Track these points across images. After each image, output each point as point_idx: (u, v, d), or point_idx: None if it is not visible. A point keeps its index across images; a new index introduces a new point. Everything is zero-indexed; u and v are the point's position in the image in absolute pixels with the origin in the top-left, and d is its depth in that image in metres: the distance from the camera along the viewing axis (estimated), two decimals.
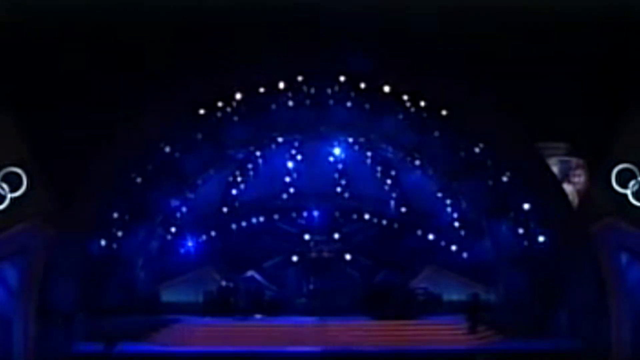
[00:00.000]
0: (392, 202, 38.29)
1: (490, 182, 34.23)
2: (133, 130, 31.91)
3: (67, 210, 29.39)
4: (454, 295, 34.99)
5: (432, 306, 34.35)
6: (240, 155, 37.59)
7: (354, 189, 38.29)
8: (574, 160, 34.24)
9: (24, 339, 27.20)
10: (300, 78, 33.94)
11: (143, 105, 31.53)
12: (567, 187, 33.53)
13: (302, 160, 38.05)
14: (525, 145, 32.16)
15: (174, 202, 36.51)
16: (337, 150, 37.99)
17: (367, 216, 37.82)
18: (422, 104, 33.45)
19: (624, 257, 27.72)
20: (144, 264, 35.84)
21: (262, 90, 33.76)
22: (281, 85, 33.72)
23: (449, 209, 37.03)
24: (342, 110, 35.06)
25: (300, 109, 34.89)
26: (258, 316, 34.25)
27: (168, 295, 35.87)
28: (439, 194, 37.04)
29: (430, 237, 37.20)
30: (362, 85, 33.75)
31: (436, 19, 29.42)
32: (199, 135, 34.67)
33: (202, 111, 33.54)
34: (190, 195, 37.06)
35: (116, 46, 30.39)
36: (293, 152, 37.95)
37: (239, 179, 38.27)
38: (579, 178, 34.11)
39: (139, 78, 30.65)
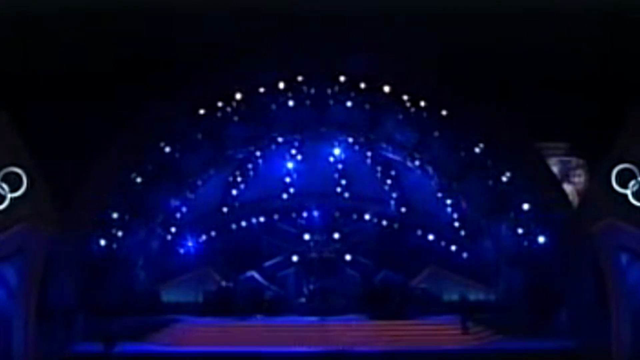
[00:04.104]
0: (392, 202, 38.29)
1: (490, 182, 34.22)
2: (133, 130, 31.92)
3: (67, 210, 29.39)
4: (453, 295, 35.00)
5: (432, 306, 34.33)
6: (240, 155, 37.57)
7: (354, 189, 38.26)
8: (574, 160, 34.25)
9: (24, 339, 27.16)
10: (300, 78, 33.95)
11: (143, 105, 31.54)
12: (567, 187, 33.53)
13: (302, 160, 38.03)
14: (525, 145, 32.17)
15: (174, 202, 36.51)
16: (337, 150, 37.97)
17: (367, 216, 37.82)
18: (422, 104, 33.46)
19: (624, 257, 27.67)
20: (144, 264, 35.83)
21: (262, 90, 33.77)
22: (281, 85, 33.72)
23: (449, 209, 37.03)
24: (342, 110, 35.05)
25: (300, 109, 34.88)
26: (258, 316, 34.23)
27: (168, 295, 35.87)
28: (439, 194, 37.03)
29: (430, 237, 37.21)
30: (362, 85, 33.75)
31: (436, 19, 29.43)
32: (199, 135, 34.67)
33: (202, 111, 33.55)
34: (190, 195, 37.06)
35: (116, 46, 30.40)
36: (293, 152, 37.93)
37: (239, 179, 38.26)
38: (579, 178, 34.12)
39: (139, 78, 30.66)
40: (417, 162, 36.72)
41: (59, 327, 28.97)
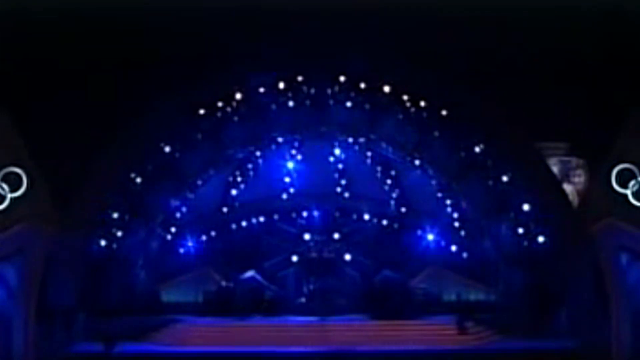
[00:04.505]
0: (392, 202, 38.29)
1: (490, 182, 34.22)
2: (133, 130, 31.92)
3: (67, 210, 29.39)
4: (453, 295, 35.00)
5: (432, 306, 34.33)
6: (240, 155, 37.59)
7: (354, 189, 38.27)
8: (574, 160, 34.25)
9: (24, 339, 27.16)
10: (300, 78, 33.96)
11: (143, 105, 31.54)
12: (567, 187, 33.52)
13: (302, 160, 38.03)
14: (525, 145, 32.17)
15: (174, 202, 36.52)
16: (337, 150, 37.97)
17: (367, 216, 37.82)
18: (422, 104, 33.46)
19: (624, 257, 27.67)
20: (144, 264, 35.84)
21: (262, 90, 33.77)
22: (281, 85, 33.73)
23: (449, 209, 37.03)
24: (342, 110, 35.06)
25: (300, 109, 34.89)
26: (258, 316, 34.21)
27: (168, 295, 35.88)
28: (439, 194, 37.04)
29: (430, 237, 37.20)
30: (362, 85, 33.75)
31: (436, 19, 29.42)
32: (199, 135, 34.68)
33: (202, 111, 33.55)
34: (190, 195, 37.07)
35: (116, 46, 30.39)
36: (293, 152, 37.94)
37: (239, 179, 38.26)
38: (579, 178, 34.12)
39: (139, 78, 30.66)
40: (417, 162, 36.72)
41: (59, 327, 28.97)
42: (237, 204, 38.44)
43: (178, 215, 37.12)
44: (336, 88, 34.33)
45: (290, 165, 37.96)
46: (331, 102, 34.88)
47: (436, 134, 34.49)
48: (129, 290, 34.51)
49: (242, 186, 38.37)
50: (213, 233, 37.90)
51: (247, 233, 38.26)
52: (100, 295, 32.27)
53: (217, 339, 30.57)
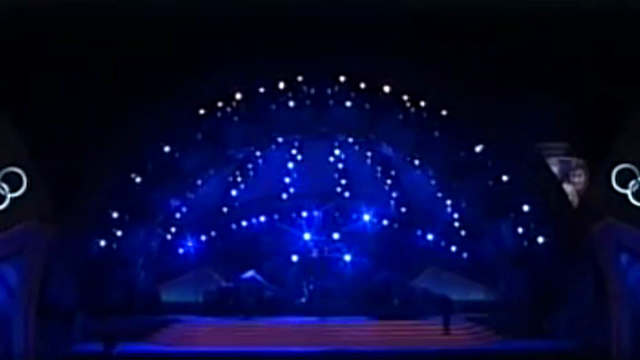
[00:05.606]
0: (392, 202, 38.29)
1: (490, 182, 34.22)
2: (133, 130, 31.91)
3: (67, 210, 29.38)
4: (454, 295, 34.97)
5: (432, 306, 34.32)
6: (240, 155, 37.60)
7: (354, 189, 38.28)
8: (574, 160, 34.21)
9: (24, 339, 27.18)
10: (300, 78, 33.96)
11: (143, 105, 31.51)
12: (567, 187, 33.51)
13: (302, 160, 38.04)
14: (525, 145, 32.16)
15: (174, 202, 36.53)
16: (337, 150, 37.97)
17: (367, 216, 37.82)
18: (422, 104, 33.47)
19: (624, 257, 27.69)
20: (144, 264, 35.84)
21: (262, 90, 33.77)
22: (281, 85, 33.73)
23: (449, 209, 37.03)
24: (342, 110, 35.06)
25: (300, 109, 34.89)
26: (258, 316, 34.21)
27: (168, 295, 35.90)
28: (439, 194, 37.04)
29: (430, 237, 37.21)
30: (362, 85, 33.76)
31: (436, 19, 29.40)
32: (199, 135, 34.68)
33: (202, 111, 33.56)
34: (190, 195, 37.08)
35: (116, 46, 30.36)
36: (293, 152, 37.96)
37: (239, 179, 38.29)
38: (579, 178, 34.08)
39: (138, 78, 30.62)
40: (417, 162, 36.73)
41: (59, 327, 28.97)
42: (237, 204, 38.46)
43: (178, 215, 37.14)
44: (336, 88, 34.33)
45: (290, 165, 37.98)
46: (331, 102, 34.88)
47: (436, 134, 34.48)
48: (129, 290, 34.53)
49: (242, 186, 38.40)
50: (213, 233, 37.92)
51: (247, 233, 38.28)
52: (100, 295, 32.27)
53: (217, 339, 30.58)
